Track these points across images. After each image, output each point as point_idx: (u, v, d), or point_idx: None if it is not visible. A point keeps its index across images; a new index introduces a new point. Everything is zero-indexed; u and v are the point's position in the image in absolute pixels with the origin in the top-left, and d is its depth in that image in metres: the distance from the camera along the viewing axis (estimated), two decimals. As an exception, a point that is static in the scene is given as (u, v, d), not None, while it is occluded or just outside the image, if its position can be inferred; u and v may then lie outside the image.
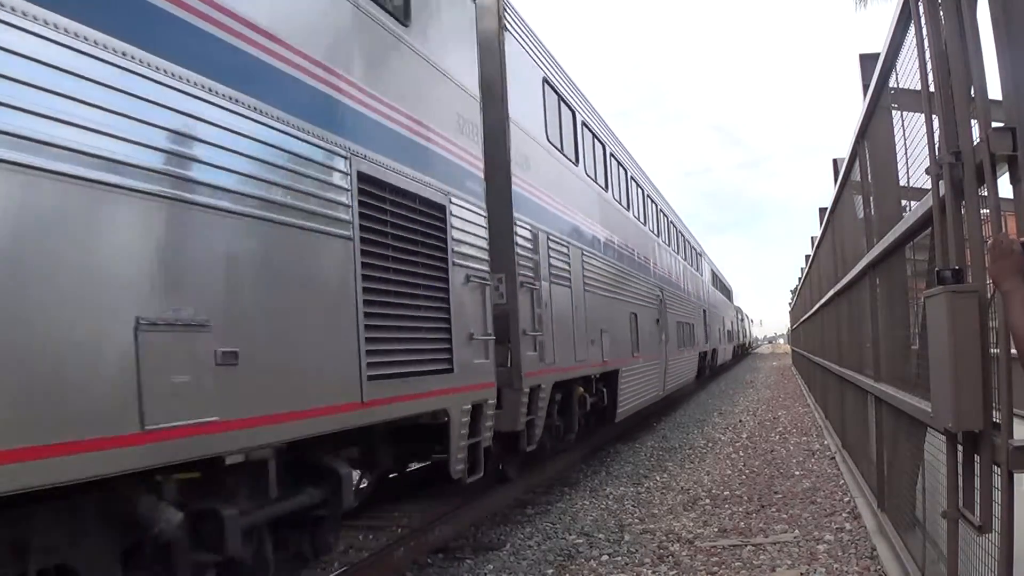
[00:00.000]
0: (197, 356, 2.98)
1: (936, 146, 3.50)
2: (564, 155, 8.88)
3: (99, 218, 2.67)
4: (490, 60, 6.77)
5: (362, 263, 4.16)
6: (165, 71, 2.96)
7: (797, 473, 9.01)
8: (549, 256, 7.78)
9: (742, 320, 53.61)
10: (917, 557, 4.46)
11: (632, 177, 13.05)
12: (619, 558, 5.98)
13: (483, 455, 5.72)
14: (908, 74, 4.15)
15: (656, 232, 15.38)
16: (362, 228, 4.19)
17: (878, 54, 5.02)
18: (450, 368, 5.18)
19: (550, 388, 7.59)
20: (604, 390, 9.89)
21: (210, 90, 3.18)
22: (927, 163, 3.58)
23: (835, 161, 9.94)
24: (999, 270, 2.45)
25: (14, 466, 2.27)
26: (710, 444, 11.96)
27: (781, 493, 7.96)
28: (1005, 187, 2.86)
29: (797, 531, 6.42)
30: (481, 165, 6.12)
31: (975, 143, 2.99)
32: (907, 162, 4.46)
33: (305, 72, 3.87)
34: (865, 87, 5.88)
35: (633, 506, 7.81)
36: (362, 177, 4.24)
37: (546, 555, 6.16)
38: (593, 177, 10.25)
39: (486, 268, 5.93)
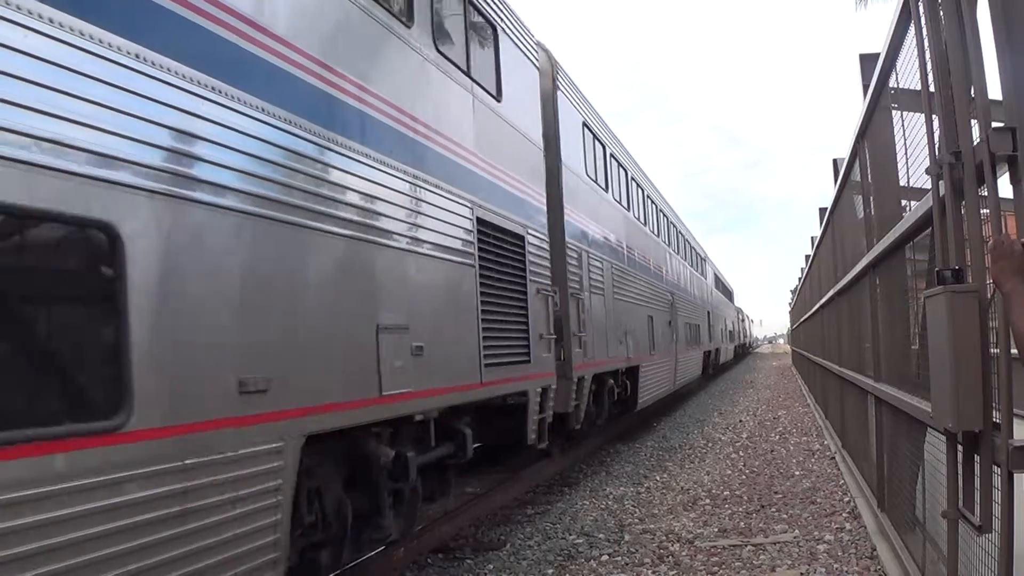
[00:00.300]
0: (403, 348, 4.55)
1: (936, 146, 3.50)
2: (598, 184, 10.53)
3: (375, 264, 4.41)
4: (547, 114, 8.29)
5: (480, 283, 5.76)
6: (436, 186, 5.13)
7: (797, 473, 9.01)
8: (589, 271, 9.44)
9: (742, 321, 56.04)
10: (917, 557, 4.46)
11: (648, 195, 14.77)
12: (619, 558, 5.98)
13: (546, 428, 7.34)
14: (908, 74, 4.15)
15: (667, 242, 16.94)
16: (480, 258, 5.79)
17: (878, 54, 5.02)
18: (528, 360, 6.75)
19: (590, 379, 9.13)
20: (627, 382, 11.43)
21: (428, 183, 5.05)
22: (927, 163, 3.58)
23: (835, 161, 9.94)
24: (1000, 271, 2.45)
25: (332, 414, 3.85)
26: (710, 444, 11.97)
27: (781, 493, 7.96)
28: (1005, 187, 2.87)
29: (797, 531, 6.42)
30: (544, 201, 7.70)
31: (975, 143, 2.99)
32: (907, 162, 4.46)
33: (454, 152, 5.62)
34: (865, 87, 5.88)
35: (633, 506, 7.81)
36: (479, 221, 5.85)
37: (546, 555, 6.16)
38: (619, 200, 11.90)
39: (548, 282, 7.48)
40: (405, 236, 4.71)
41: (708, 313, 24.41)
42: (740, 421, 15.02)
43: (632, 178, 13.12)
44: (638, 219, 13.47)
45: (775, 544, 6.05)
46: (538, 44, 8.17)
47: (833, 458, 9.63)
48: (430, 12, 5.34)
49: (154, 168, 2.87)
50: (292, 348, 3.58)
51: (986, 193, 2.92)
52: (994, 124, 2.83)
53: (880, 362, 5.80)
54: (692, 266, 21.70)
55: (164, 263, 2.91)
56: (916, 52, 3.75)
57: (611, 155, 11.45)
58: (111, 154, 2.69)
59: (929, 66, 3.54)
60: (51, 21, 2.53)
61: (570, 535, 6.75)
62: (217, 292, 3.17)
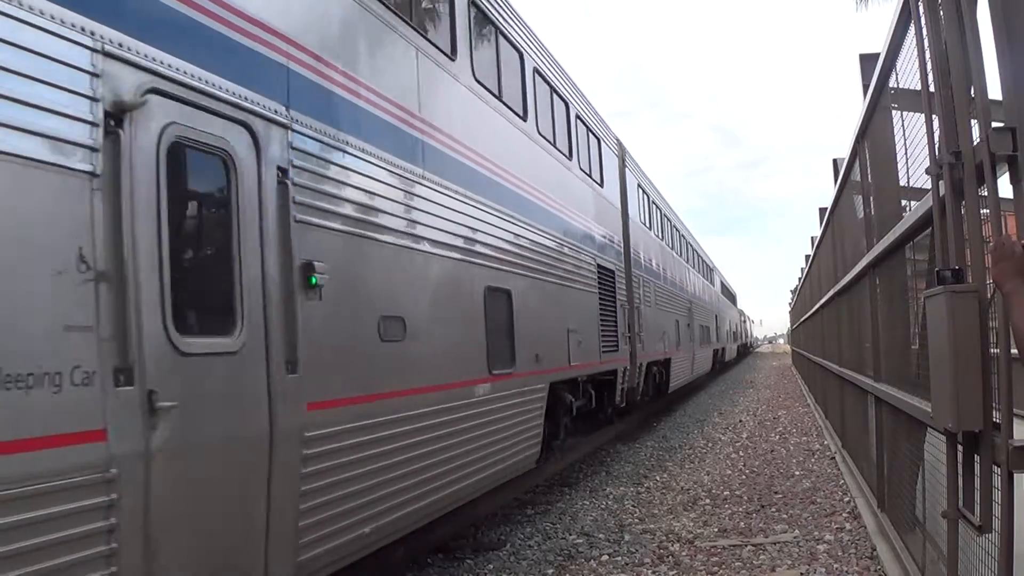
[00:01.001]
0: (575, 341, 8.44)
1: (936, 146, 3.50)
2: (645, 225, 14.61)
3: (567, 297, 8.68)
4: (620, 184, 12.48)
5: (599, 303, 9.78)
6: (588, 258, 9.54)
7: (797, 473, 9.01)
8: (643, 289, 13.36)
9: (744, 322, 61.27)
10: (917, 557, 4.46)
11: (673, 225, 19.02)
12: (619, 558, 5.98)
13: (624, 394, 11.18)
14: (908, 74, 4.15)
15: (686, 260, 21.26)
16: (599, 288, 9.88)
17: (878, 54, 5.02)
18: (617, 349, 10.62)
19: (645, 365, 12.84)
20: (662, 371, 14.87)
21: (580, 248, 9.32)
22: (927, 163, 3.58)
23: (835, 161, 9.94)
24: (1001, 272, 2.45)
25: (556, 373, 7.86)
26: (710, 444, 11.97)
27: (781, 493, 7.96)
28: (1005, 187, 2.86)
29: (797, 531, 6.42)
30: (622, 246, 11.94)
31: (975, 143, 2.99)
32: (907, 162, 4.46)
33: (587, 227, 9.69)
34: (865, 87, 5.88)
35: (633, 506, 7.81)
36: (598, 266, 9.90)
37: (546, 555, 6.16)
38: (656, 234, 16.10)
39: (625, 299, 11.62)
40: (576, 280, 8.95)
41: (716, 316, 28.40)
42: (740, 421, 15.02)
43: (664, 214, 17.35)
44: (667, 245, 17.62)
45: (775, 544, 6.05)
46: (618, 140, 12.54)
47: (833, 458, 9.63)
48: (578, 152, 9.61)
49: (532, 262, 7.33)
50: (546, 342, 7.59)
51: (986, 193, 2.92)
52: (994, 124, 2.83)
53: (880, 362, 5.80)
54: (704, 276, 25.91)
55: (532, 309, 7.12)
56: (916, 52, 3.75)
57: (652, 201, 15.66)
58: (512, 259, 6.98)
59: (929, 66, 3.54)
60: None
61: (570, 535, 6.75)
62: (553, 320, 7.93)
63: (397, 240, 4.73)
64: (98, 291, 2.67)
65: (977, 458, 3.03)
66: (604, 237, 10.51)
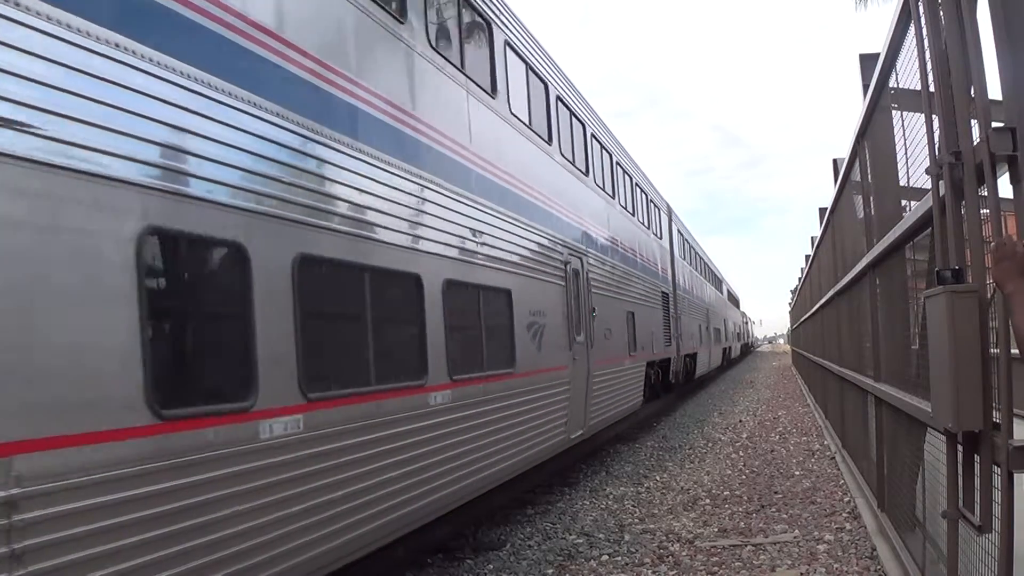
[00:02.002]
0: (657, 339, 14.82)
1: (936, 146, 3.50)
2: (681, 258, 19.82)
3: (654, 315, 14.97)
4: (668, 233, 18.10)
5: (663, 315, 15.58)
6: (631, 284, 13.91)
7: (797, 473, 9.01)
8: (681, 304, 18.31)
9: (746, 323, 69.97)
10: (917, 557, 4.46)
11: (697, 253, 24.94)
12: (619, 558, 5.98)
13: (673, 377, 16.92)
14: (908, 74, 4.15)
15: (705, 276, 27.46)
16: (662, 305, 15.56)
17: (878, 54, 5.01)
18: (670, 344, 16.08)
19: (683, 357, 18.22)
20: (691, 362, 20.02)
21: (650, 284, 14.79)
22: (927, 163, 3.57)
23: (835, 161, 9.94)
24: (1002, 272, 2.45)
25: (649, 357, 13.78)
26: (710, 444, 11.97)
27: (781, 493, 7.96)
28: (1005, 187, 2.86)
29: (797, 531, 6.42)
30: (671, 276, 17.44)
31: (975, 143, 2.99)
32: (907, 162, 4.45)
33: (658, 268, 16.22)
34: (865, 87, 5.88)
35: (633, 506, 7.81)
36: (662, 293, 16.03)
37: (546, 555, 6.16)
38: (689, 262, 21.89)
39: (673, 311, 16.82)
40: (655, 303, 14.55)
41: (724, 320, 35.14)
42: (740, 421, 15.02)
43: (692, 247, 23.41)
44: (695, 269, 23.71)
45: (775, 544, 6.05)
46: (668, 204, 18.26)
47: (833, 458, 9.63)
48: (650, 220, 15.39)
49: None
50: (643, 338, 12.65)
51: (986, 193, 2.92)
52: (994, 124, 2.82)
53: (880, 362, 5.80)
54: (715, 288, 32.39)
55: (642, 321, 13.13)
56: (916, 52, 3.75)
57: (685, 239, 21.36)
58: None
59: (929, 66, 3.54)
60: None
61: (570, 535, 6.75)
62: (645, 327, 13.38)
63: (620, 293, 11.44)
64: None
65: (977, 458, 3.03)
66: (663, 272, 16.42)
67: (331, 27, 4.57)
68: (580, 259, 9.15)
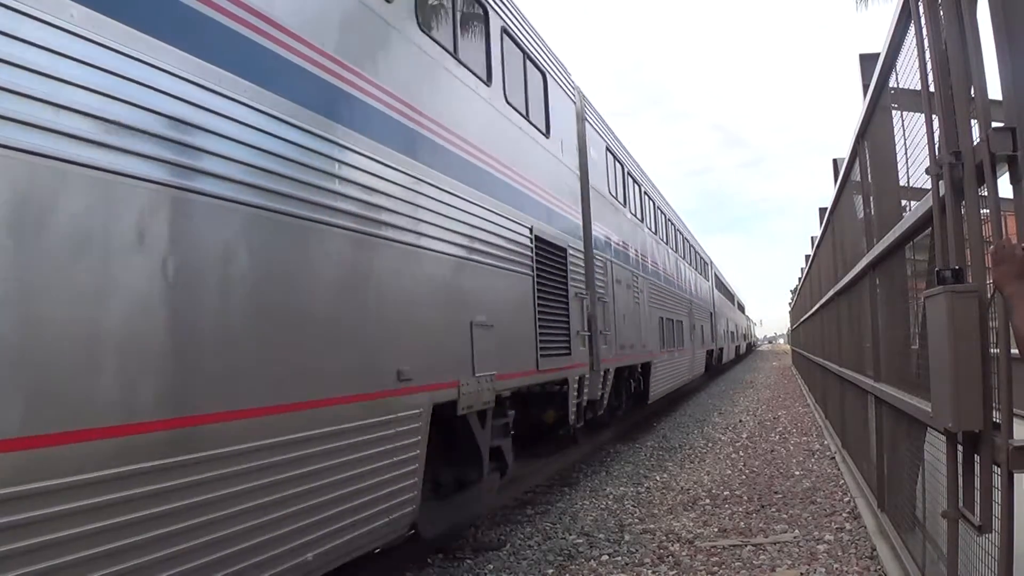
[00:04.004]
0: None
1: (936, 146, 3.50)
2: (720, 281, 28.49)
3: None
4: (716, 283, 30.09)
5: (732, 325, 32.36)
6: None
7: (797, 473, 9.01)
8: (721, 311, 28.84)
9: (749, 325, 76.65)
10: (917, 557, 4.46)
11: (715, 273, 28.01)
12: (619, 558, 5.98)
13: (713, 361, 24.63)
14: (908, 74, 4.15)
15: (717, 288, 29.67)
16: (737, 318, 39.82)
17: (878, 54, 5.01)
18: (712, 343, 24.04)
19: (717, 349, 26.19)
20: (721, 353, 26.26)
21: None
22: (927, 163, 3.57)
23: (835, 161, 9.94)
24: (1001, 274, 2.45)
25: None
26: (710, 444, 11.97)
27: (781, 493, 7.96)
28: (1005, 187, 2.86)
29: (797, 531, 6.42)
30: (712, 296, 27.07)
31: (975, 143, 2.99)
32: (907, 162, 4.45)
33: (701, 300, 22.89)
34: (865, 87, 5.88)
35: (633, 506, 7.81)
36: (710, 313, 23.89)
37: (546, 555, 6.16)
38: (718, 288, 26.44)
39: (716, 324, 25.38)
40: (703, 315, 21.39)
41: (736, 323, 41.85)
42: (740, 421, 15.02)
43: (715, 273, 27.83)
44: (722, 296, 29.87)
45: (775, 544, 6.05)
46: (709, 258, 26.21)
47: (833, 458, 9.63)
48: (704, 268, 24.29)
49: None
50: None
51: (986, 193, 2.92)
52: (994, 124, 2.83)
53: (880, 362, 5.80)
54: (727, 298, 36.88)
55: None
56: (916, 52, 3.75)
57: (715, 272, 26.46)
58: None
59: (929, 66, 3.54)
60: None
61: (570, 535, 6.75)
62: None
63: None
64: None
65: (977, 458, 3.03)
66: (724, 299, 27.11)
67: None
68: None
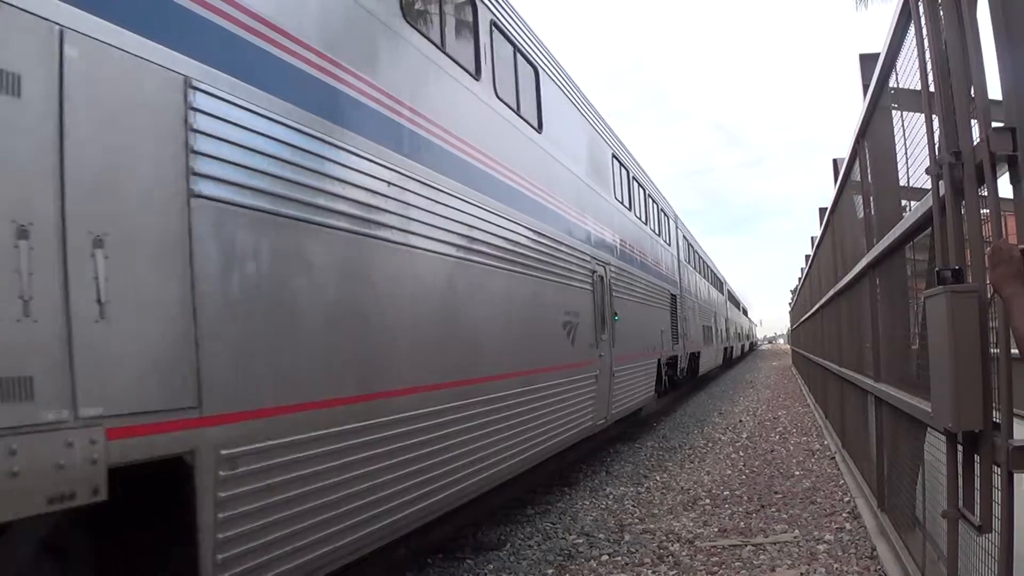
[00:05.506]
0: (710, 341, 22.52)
1: (936, 146, 3.50)
2: (734, 297, 39.75)
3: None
4: (723, 290, 36.07)
5: (739, 327, 43.99)
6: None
7: (797, 473, 9.01)
8: (733, 314, 39.24)
9: (751, 326, 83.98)
10: (917, 557, 4.46)
11: (729, 292, 34.97)
12: (619, 558, 5.98)
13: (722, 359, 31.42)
14: (908, 74, 4.15)
15: (730, 300, 35.48)
16: (743, 325, 50.95)
17: (878, 54, 5.02)
18: (712, 344, 27.47)
19: (721, 350, 29.25)
20: (732, 351, 35.53)
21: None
22: (927, 163, 3.57)
23: (835, 161, 9.94)
24: (999, 276, 2.44)
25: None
26: (710, 444, 11.97)
27: (781, 493, 7.96)
28: (1005, 187, 2.86)
29: (797, 531, 6.42)
30: (726, 307, 33.98)
31: (975, 143, 2.99)
32: (907, 162, 4.46)
33: (737, 313, 42.01)
34: (865, 87, 5.88)
35: (633, 506, 7.81)
36: (714, 314, 27.58)
37: (546, 555, 6.16)
38: (732, 303, 37.17)
39: (729, 326, 33.91)
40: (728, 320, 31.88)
41: (743, 326, 49.76)
42: (740, 421, 15.02)
43: (728, 289, 33.30)
44: (733, 305, 34.84)
45: (775, 544, 6.06)
46: (724, 278, 34.26)
47: (833, 458, 9.63)
48: (727, 296, 35.68)
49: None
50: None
51: (986, 193, 2.92)
52: (994, 124, 2.82)
53: (880, 362, 5.80)
54: (735, 306, 42.63)
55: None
56: (916, 52, 3.75)
57: (727, 289, 31.96)
58: None
59: (929, 66, 3.54)
60: None
61: (570, 535, 6.75)
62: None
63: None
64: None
65: (977, 458, 3.03)
66: (737, 310, 35.77)
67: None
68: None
